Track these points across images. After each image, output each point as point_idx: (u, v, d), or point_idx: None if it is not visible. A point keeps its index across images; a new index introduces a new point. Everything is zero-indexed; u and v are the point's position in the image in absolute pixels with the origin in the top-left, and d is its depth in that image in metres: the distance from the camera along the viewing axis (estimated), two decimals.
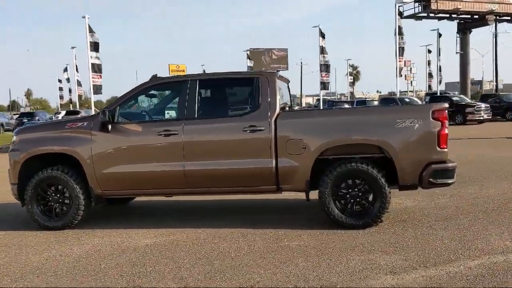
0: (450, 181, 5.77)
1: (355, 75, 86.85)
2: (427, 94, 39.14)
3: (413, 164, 5.66)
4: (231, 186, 6.07)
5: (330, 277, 4.23)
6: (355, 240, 5.27)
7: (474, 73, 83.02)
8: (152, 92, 6.76)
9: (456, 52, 44.62)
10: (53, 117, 32.99)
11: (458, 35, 44.78)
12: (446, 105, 5.92)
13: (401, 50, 31.45)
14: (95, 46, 24.17)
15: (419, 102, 27.32)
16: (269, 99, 5.95)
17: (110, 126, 6.09)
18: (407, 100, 26.63)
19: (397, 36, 30.85)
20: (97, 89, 22.53)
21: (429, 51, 38.68)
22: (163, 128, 6.07)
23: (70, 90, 43.03)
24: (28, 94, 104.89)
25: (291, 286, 4.06)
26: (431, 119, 5.62)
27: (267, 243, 5.34)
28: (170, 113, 7.07)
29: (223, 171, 5.96)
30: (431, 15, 42.91)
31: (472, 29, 46.86)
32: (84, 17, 23.46)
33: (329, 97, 74.89)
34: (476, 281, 4.00)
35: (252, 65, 45.36)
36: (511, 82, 73.99)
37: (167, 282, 4.28)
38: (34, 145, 6.38)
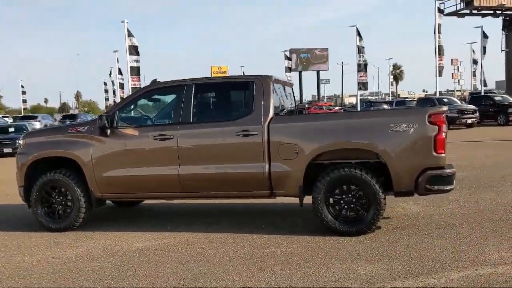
0: (448, 187, 5.51)
1: (398, 74, 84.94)
2: (471, 94, 37.84)
3: (408, 169, 5.45)
4: (225, 191, 6.06)
5: (303, 285, 4.13)
6: (343, 248, 5.13)
7: None
8: (152, 96, 6.83)
9: (502, 50, 42.80)
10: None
11: (503, 32, 42.87)
12: (444, 108, 5.69)
13: (441, 49, 30.59)
14: (134, 50, 25.05)
15: (458, 103, 26.33)
16: (262, 103, 5.89)
17: (108, 131, 6.21)
18: (445, 100, 25.67)
19: (437, 34, 30.00)
20: None
21: (473, 52, 37.45)
22: (158, 133, 6.13)
23: (114, 92, 44.48)
24: (78, 96, 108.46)
25: None
26: (427, 123, 5.39)
27: (254, 248, 5.29)
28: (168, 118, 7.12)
29: (217, 176, 5.95)
30: (474, 11, 41.23)
31: None
32: (123, 21, 24.21)
33: (372, 97, 73.90)
34: None
35: (289, 65, 45.24)
36: None
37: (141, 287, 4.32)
38: (38, 149, 6.59)
